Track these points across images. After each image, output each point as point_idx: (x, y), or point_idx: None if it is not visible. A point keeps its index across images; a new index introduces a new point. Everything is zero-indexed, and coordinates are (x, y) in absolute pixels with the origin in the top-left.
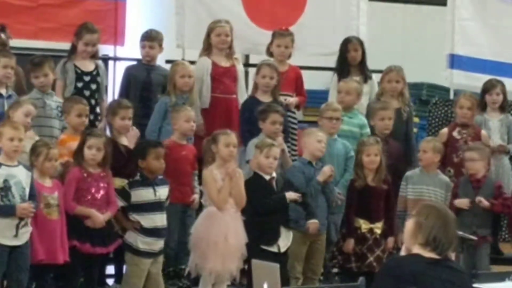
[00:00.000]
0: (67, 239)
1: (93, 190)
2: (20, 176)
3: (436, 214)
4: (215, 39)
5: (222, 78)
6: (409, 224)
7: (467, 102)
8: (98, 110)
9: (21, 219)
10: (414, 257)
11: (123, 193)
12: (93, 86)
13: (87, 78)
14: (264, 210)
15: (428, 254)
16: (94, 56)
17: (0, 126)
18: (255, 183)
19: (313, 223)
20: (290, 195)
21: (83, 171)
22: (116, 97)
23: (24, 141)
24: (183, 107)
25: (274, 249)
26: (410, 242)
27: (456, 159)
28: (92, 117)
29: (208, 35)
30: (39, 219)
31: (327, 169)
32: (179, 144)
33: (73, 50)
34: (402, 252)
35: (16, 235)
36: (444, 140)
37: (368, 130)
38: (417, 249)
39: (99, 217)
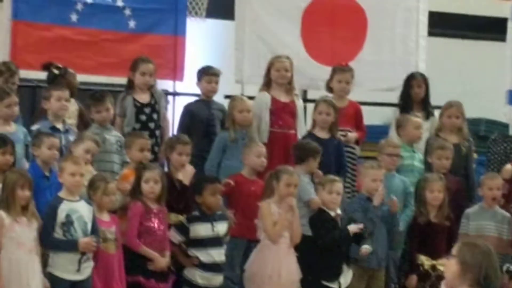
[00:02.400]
0: (131, 274)
1: (155, 225)
2: (82, 211)
3: (481, 252)
4: (275, 74)
5: (281, 113)
6: (453, 265)
7: None
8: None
9: (83, 253)
10: None
11: (182, 228)
12: (155, 116)
13: (147, 110)
14: (326, 244)
15: None
16: (151, 88)
17: (62, 161)
18: (320, 219)
19: (364, 248)
20: (352, 227)
21: (144, 206)
22: (176, 133)
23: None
24: (255, 143)
25: (335, 285)
26: (456, 284)
27: None
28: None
29: (268, 70)
30: (97, 253)
31: (380, 192)
32: (248, 179)
33: (130, 85)
34: None
35: (78, 270)
36: (509, 177)
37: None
38: None
39: (162, 262)
